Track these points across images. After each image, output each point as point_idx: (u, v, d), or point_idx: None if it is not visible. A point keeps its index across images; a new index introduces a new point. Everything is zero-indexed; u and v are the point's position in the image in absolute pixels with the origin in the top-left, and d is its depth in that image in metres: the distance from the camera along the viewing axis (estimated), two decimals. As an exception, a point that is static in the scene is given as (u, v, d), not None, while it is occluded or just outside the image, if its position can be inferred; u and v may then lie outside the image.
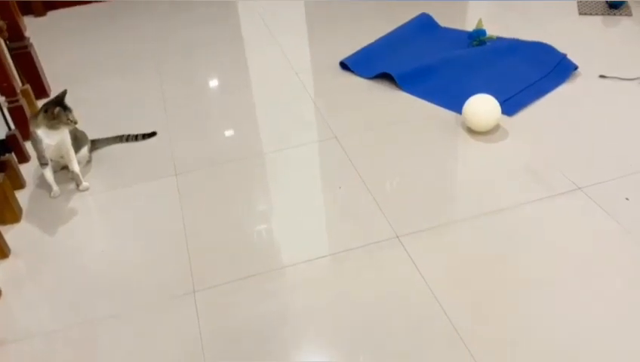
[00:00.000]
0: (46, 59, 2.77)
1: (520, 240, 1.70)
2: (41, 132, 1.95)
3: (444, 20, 3.02)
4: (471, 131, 2.19)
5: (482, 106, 2.14)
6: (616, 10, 2.97)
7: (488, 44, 2.70)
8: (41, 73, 2.68)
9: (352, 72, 2.66)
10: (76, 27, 3.53)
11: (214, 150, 2.24)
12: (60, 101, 1.95)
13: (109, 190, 2.09)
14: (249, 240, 1.80)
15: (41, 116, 1.94)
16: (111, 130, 2.37)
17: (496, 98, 2.17)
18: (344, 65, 2.71)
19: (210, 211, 1.94)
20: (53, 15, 3.73)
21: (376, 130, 2.27)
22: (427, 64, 2.57)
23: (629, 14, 2.93)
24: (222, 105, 2.57)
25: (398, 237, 1.74)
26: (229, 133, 2.37)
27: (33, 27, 3.25)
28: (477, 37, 2.75)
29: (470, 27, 2.88)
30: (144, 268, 1.74)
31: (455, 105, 2.29)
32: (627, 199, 1.80)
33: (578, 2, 3.10)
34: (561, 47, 2.58)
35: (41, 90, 2.67)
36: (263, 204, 1.96)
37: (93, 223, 1.97)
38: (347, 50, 2.79)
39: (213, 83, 2.80)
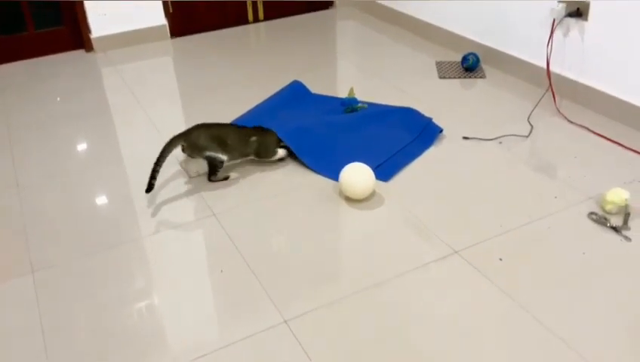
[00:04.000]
0: None
1: (406, 311, 1.70)
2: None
3: (315, 88, 3.07)
4: (349, 199, 2.19)
5: (357, 176, 2.17)
6: (471, 73, 3.20)
7: (360, 112, 2.77)
8: None
9: (227, 142, 2.60)
10: None
11: (80, 239, 2.05)
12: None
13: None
14: (121, 339, 1.63)
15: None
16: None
17: (371, 163, 2.23)
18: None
19: (76, 308, 1.74)
20: None
21: (255, 203, 2.21)
22: (305, 125, 2.57)
23: (483, 76, 3.17)
24: (88, 188, 2.38)
25: (286, 322, 1.66)
26: (98, 218, 2.19)
27: None
28: (349, 105, 2.82)
29: (341, 94, 2.95)
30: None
31: (331, 171, 2.31)
32: (500, 260, 1.87)
33: (437, 67, 3.31)
34: (425, 110, 2.71)
35: None
36: (136, 296, 1.80)
37: None
38: (220, 120, 2.73)
39: (77, 162, 2.60)
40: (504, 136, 2.56)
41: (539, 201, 2.14)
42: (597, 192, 2.15)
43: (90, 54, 3.75)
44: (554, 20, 2.76)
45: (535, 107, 2.78)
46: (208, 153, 2.28)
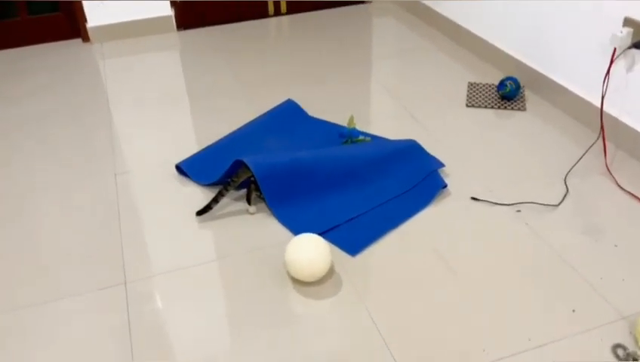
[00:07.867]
0: None
1: None
2: None
3: (325, 102, 2.55)
4: (297, 280, 1.70)
5: (305, 255, 1.65)
6: (508, 103, 2.56)
7: (354, 146, 2.23)
8: None
9: (189, 177, 2.15)
10: None
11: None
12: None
13: None
14: None
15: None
16: None
17: (346, 215, 1.92)
18: (181, 170, 2.19)
19: None
20: None
21: (183, 271, 1.75)
22: (286, 161, 2.01)
23: (522, 108, 2.53)
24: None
25: None
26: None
27: None
28: (349, 137, 2.29)
29: (348, 114, 2.44)
30: None
31: (293, 222, 1.91)
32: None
33: (468, 90, 2.68)
34: (435, 152, 2.14)
35: None
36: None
37: None
38: (193, 145, 2.30)
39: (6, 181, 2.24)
40: (525, 203, 1.95)
41: (549, 315, 1.56)
42: (634, 311, 1.54)
43: (86, 45, 3.39)
44: (614, 50, 2.09)
45: (578, 161, 2.13)
46: None
